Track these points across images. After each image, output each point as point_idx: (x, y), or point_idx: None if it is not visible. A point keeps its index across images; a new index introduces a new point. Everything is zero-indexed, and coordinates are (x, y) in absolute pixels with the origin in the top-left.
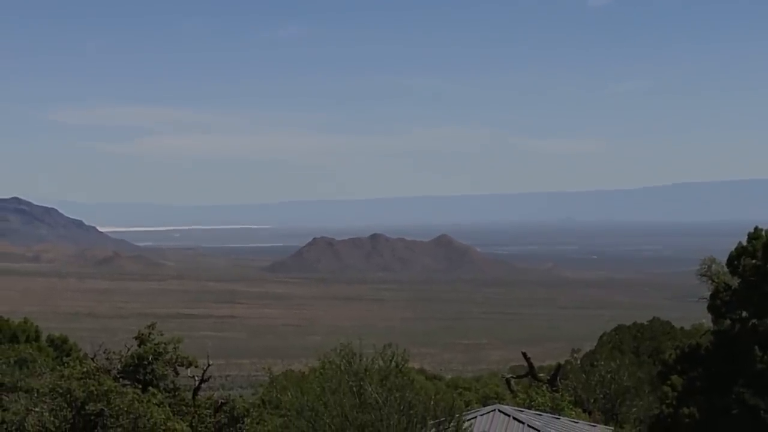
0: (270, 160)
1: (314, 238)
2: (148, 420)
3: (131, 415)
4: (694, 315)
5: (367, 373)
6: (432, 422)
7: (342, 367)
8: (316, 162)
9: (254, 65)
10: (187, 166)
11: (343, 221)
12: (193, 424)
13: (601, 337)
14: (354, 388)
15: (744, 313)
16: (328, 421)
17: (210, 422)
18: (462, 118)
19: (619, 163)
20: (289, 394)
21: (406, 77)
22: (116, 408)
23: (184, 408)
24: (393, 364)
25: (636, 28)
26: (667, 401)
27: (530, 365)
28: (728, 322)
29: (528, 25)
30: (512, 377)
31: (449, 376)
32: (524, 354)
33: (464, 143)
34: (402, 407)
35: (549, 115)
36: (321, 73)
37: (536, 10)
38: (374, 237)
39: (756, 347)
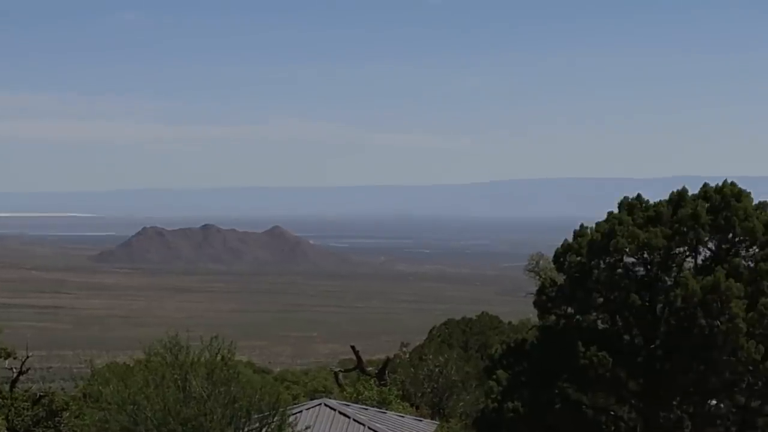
0: (100, 148)
1: (144, 228)
2: None
3: None
4: (522, 310)
5: (193, 366)
6: (257, 416)
7: (167, 360)
8: (149, 150)
9: (88, 50)
10: (12, 150)
11: (175, 211)
12: (10, 418)
13: (430, 331)
14: (179, 382)
15: (569, 309)
16: (150, 414)
17: (27, 415)
18: (299, 110)
19: (455, 158)
20: (110, 387)
21: (242, 67)
22: None
23: (0, 401)
24: (219, 357)
25: (474, 25)
26: (492, 395)
27: (359, 359)
28: (553, 317)
29: (370, 19)
30: (340, 371)
31: (278, 370)
32: (353, 347)
33: (298, 134)
34: (227, 401)
35: (385, 109)
36: (158, 61)
37: (380, 3)
38: (206, 227)
39: (579, 343)
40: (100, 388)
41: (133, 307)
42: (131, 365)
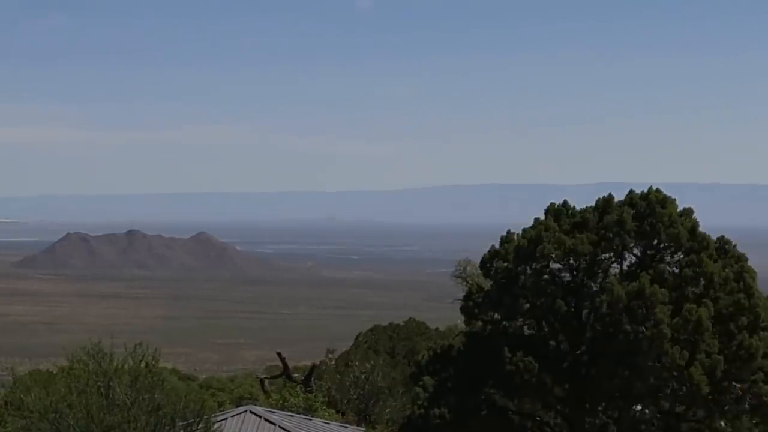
0: (23, 153)
1: (68, 233)
2: None
3: None
4: (449, 316)
5: (117, 373)
6: (181, 423)
7: (91, 367)
8: (73, 156)
9: (5, 56)
10: None
11: (99, 216)
12: None
13: (356, 337)
14: (102, 389)
15: (495, 315)
16: (72, 422)
17: None
18: (223, 115)
19: (382, 164)
20: (32, 394)
21: (169, 73)
22: None
23: None
24: (143, 364)
25: (402, 30)
26: (418, 402)
27: (285, 365)
28: (480, 323)
29: (296, 23)
30: (266, 377)
31: (203, 376)
32: (279, 354)
33: (225, 140)
34: (151, 408)
35: (311, 115)
36: (81, 66)
37: (306, 8)
38: (131, 233)
39: (506, 349)
40: (22, 395)
41: (56, 314)
42: (54, 372)
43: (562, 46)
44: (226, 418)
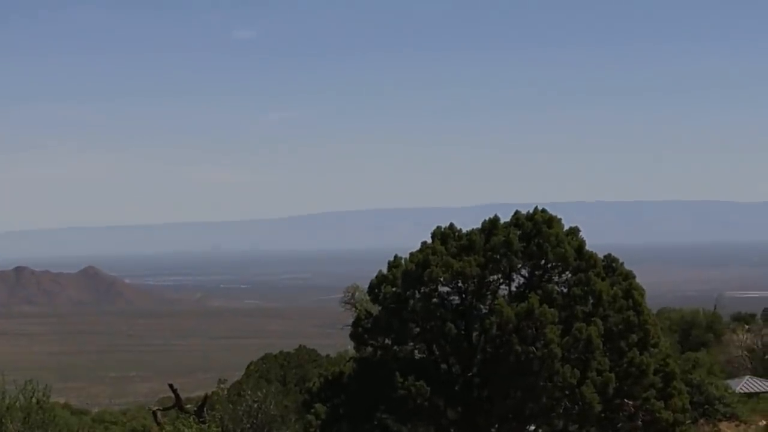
0: None
1: None
2: None
3: None
4: (340, 343)
5: (9, 410)
6: None
7: None
8: None
9: None
10: None
11: None
12: None
13: (248, 366)
14: None
15: (386, 340)
16: None
17: None
18: (104, 147)
19: (264, 192)
20: None
21: (44, 105)
22: None
23: None
24: (35, 400)
25: (281, 59)
26: (311, 429)
27: (177, 396)
28: (370, 349)
29: (171, 54)
30: (159, 409)
31: (96, 410)
32: (170, 385)
33: (106, 172)
34: None
35: (193, 145)
36: None
37: (182, 38)
38: (18, 269)
39: (397, 373)
40: None
41: None
42: None
43: (443, 69)
44: None
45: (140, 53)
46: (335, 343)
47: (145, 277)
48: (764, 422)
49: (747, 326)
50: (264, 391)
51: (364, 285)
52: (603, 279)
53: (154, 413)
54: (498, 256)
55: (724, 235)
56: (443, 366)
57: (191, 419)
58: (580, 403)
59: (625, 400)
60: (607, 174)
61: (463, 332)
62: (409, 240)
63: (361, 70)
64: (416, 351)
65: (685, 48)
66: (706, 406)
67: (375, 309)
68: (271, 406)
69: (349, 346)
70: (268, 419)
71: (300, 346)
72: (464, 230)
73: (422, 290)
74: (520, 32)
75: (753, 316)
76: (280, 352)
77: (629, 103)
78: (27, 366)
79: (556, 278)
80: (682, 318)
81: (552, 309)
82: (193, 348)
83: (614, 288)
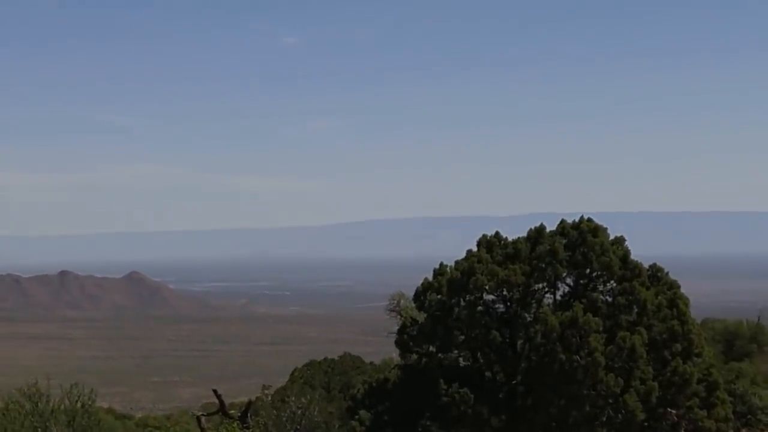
0: None
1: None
2: None
3: None
4: (384, 350)
5: (54, 414)
6: None
7: (27, 408)
8: (2, 197)
9: None
10: None
11: (31, 258)
12: None
13: (292, 373)
14: (39, 430)
15: (430, 348)
16: None
17: None
18: (152, 154)
19: (312, 199)
20: None
21: (94, 113)
22: None
23: None
24: (79, 404)
25: (327, 66)
26: None
27: (221, 402)
28: (415, 356)
29: (221, 61)
30: (203, 414)
31: (139, 415)
32: (215, 391)
33: (155, 180)
34: None
35: (241, 152)
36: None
37: (229, 45)
38: (63, 274)
39: (441, 381)
40: None
41: None
42: None
43: (494, 78)
44: None
45: (188, 62)
46: (378, 350)
47: (190, 282)
48: None
49: None
50: (308, 397)
51: (410, 293)
52: (647, 288)
53: (198, 418)
54: (543, 265)
55: None
56: (487, 374)
57: (235, 424)
58: (623, 411)
59: (669, 409)
60: (652, 184)
61: (507, 340)
62: (455, 248)
63: (410, 79)
64: (461, 359)
65: (730, 57)
66: (749, 416)
67: (420, 316)
68: (315, 412)
69: (394, 354)
70: (312, 425)
71: (344, 353)
72: (510, 239)
73: (467, 298)
74: (567, 41)
75: None
76: (325, 359)
77: (673, 113)
78: (70, 370)
79: (600, 287)
80: (726, 328)
81: (596, 318)
82: (235, 354)
83: (659, 297)
